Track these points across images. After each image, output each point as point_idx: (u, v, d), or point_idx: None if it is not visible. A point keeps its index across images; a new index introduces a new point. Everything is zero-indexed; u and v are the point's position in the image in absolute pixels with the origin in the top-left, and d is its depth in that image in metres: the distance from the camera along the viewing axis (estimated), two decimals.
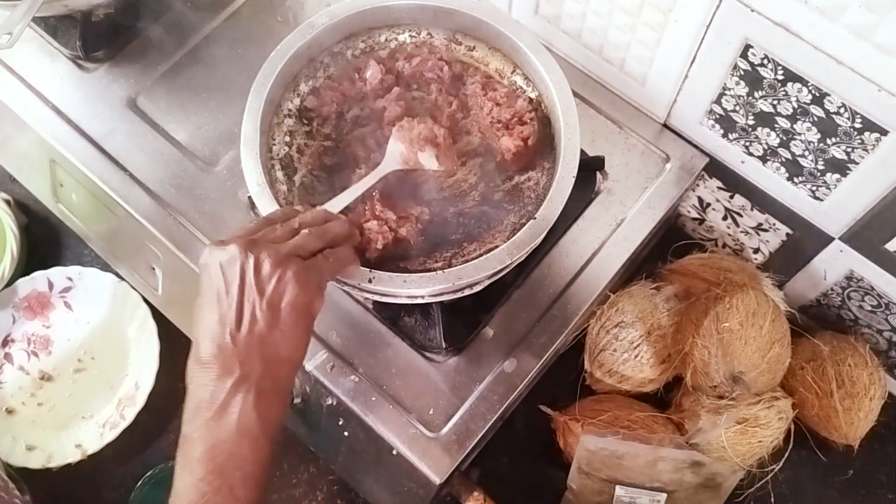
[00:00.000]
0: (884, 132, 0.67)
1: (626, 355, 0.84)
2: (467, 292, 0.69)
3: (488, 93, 0.73)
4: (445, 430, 0.71)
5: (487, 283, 0.69)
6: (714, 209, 0.92)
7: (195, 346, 0.57)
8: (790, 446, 0.84)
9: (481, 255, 0.66)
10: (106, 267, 0.95)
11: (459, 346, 0.75)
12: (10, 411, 0.90)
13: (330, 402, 0.74)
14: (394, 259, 0.68)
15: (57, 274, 0.95)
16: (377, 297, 0.71)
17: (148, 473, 0.86)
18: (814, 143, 0.73)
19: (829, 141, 0.71)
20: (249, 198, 0.79)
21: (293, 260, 0.57)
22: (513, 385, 0.73)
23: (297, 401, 0.79)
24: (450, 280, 0.64)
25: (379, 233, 0.66)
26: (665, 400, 0.87)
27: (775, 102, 0.72)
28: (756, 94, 0.73)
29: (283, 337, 0.57)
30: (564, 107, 0.70)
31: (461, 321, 0.75)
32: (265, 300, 0.56)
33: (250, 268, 0.56)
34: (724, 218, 0.92)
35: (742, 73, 0.72)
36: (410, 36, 0.76)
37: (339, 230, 0.63)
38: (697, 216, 0.96)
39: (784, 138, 0.75)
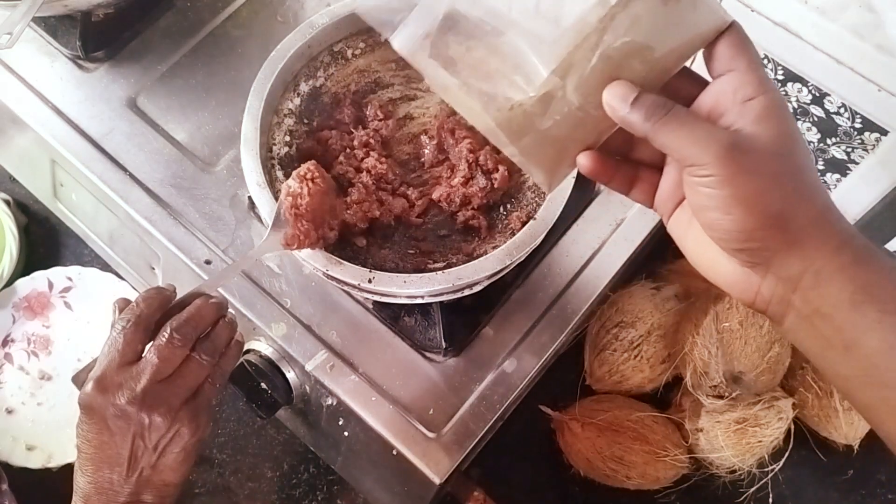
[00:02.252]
0: (884, 132, 0.67)
1: (626, 355, 0.84)
2: (467, 292, 0.69)
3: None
4: (445, 430, 0.71)
5: (487, 283, 0.69)
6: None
7: (88, 472, 0.60)
8: (790, 446, 0.84)
9: (481, 255, 0.66)
10: (106, 267, 0.95)
11: (459, 346, 0.75)
12: (10, 411, 0.91)
13: (330, 402, 0.74)
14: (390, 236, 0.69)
15: (57, 274, 0.95)
16: (377, 297, 0.71)
17: None
18: (814, 143, 0.73)
19: (829, 141, 0.72)
20: (249, 198, 0.79)
21: (184, 411, 0.59)
22: (513, 385, 0.73)
23: (296, 401, 0.79)
24: (450, 280, 0.64)
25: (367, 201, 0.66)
26: (665, 400, 0.88)
27: None
28: None
29: (171, 470, 0.60)
30: None
31: (461, 321, 0.75)
32: (157, 453, 0.59)
33: (145, 429, 0.58)
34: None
35: None
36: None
37: (221, 332, 0.62)
38: None
39: None
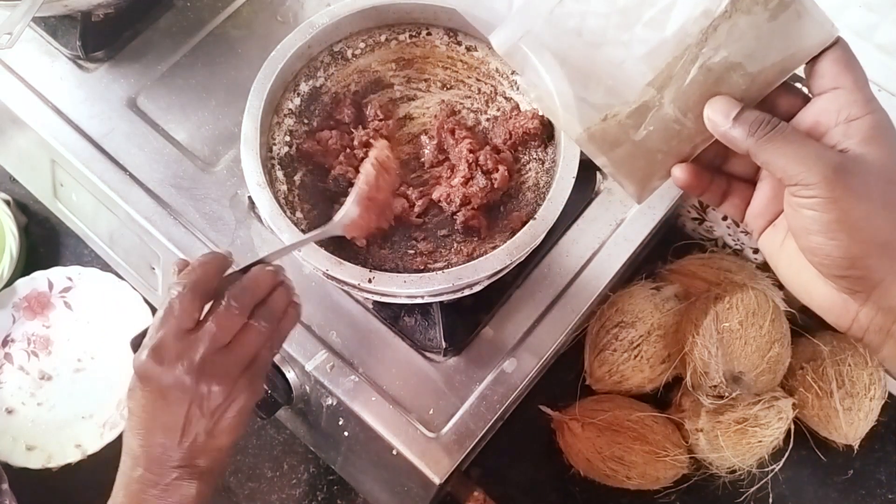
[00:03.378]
0: None
1: (626, 355, 0.84)
2: (467, 292, 0.69)
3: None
4: (445, 430, 0.71)
5: (487, 283, 0.69)
6: (714, 209, 0.92)
7: (140, 436, 0.59)
8: (790, 446, 0.84)
9: (481, 255, 0.66)
10: (106, 267, 0.95)
11: (459, 346, 0.75)
12: (10, 411, 0.90)
13: (330, 402, 0.74)
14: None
15: (57, 274, 0.95)
16: (377, 297, 0.71)
17: None
18: None
19: None
20: (249, 198, 0.79)
21: (243, 379, 0.58)
22: (513, 385, 0.73)
23: (296, 401, 0.79)
24: (450, 280, 0.64)
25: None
26: (665, 400, 0.88)
27: None
28: None
29: (226, 435, 0.59)
30: None
31: (461, 321, 0.75)
32: (213, 419, 0.58)
33: (203, 398, 0.57)
34: (724, 218, 0.92)
35: None
36: (410, 35, 0.76)
37: (279, 298, 0.61)
38: (697, 216, 0.96)
39: None
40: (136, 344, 0.59)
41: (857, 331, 0.46)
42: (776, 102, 0.47)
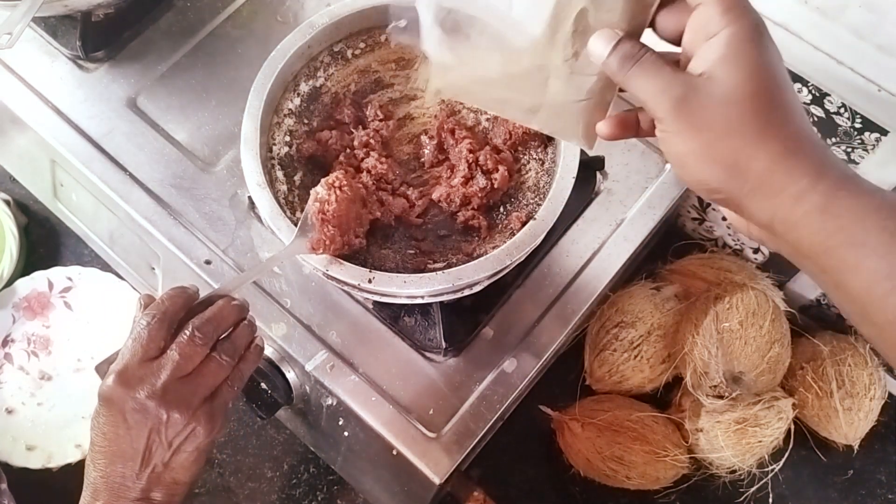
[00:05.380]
0: (884, 132, 0.67)
1: (626, 355, 0.84)
2: (467, 292, 0.69)
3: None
4: (445, 430, 0.71)
5: (487, 283, 0.69)
6: (714, 209, 0.92)
7: (100, 466, 0.59)
8: (790, 446, 0.84)
9: (481, 255, 0.66)
10: (106, 267, 0.96)
11: (459, 346, 0.75)
12: (10, 411, 0.90)
13: (330, 402, 0.74)
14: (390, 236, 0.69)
15: (57, 274, 0.95)
16: (377, 297, 0.71)
17: None
18: None
19: (829, 141, 0.72)
20: (249, 198, 0.79)
21: (202, 411, 0.59)
22: (513, 385, 0.73)
23: (296, 401, 0.79)
24: (450, 280, 0.64)
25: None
26: (665, 400, 0.88)
27: None
28: None
29: (183, 469, 0.60)
30: None
31: (461, 321, 0.75)
32: (171, 450, 0.59)
33: (162, 424, 0.58)
34: (724, 218, 0.92)
35: None
36: (410, 35, 0.76)
37: (242, 334, 0.62)
38: (697, 216, 0.96)
39: None
40: (102, 371, 0.60)
41: (759, 241, 0.47)
42: (667, 24, 0.46)
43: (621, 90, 0.49)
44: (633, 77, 0.44)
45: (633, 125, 0.50)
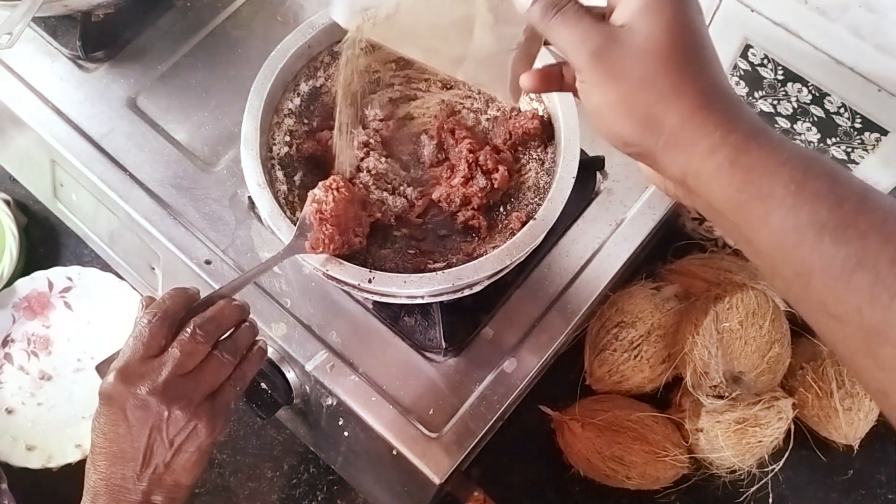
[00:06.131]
0: (884, 132, 0.67)
1: (626, 355, 0.84)
2: (467, 292, 0.69)
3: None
4: (445, 430, 0.71)
5: (487, 283, 0.69)
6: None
7: (101, 468, 0.59)
8: (790, 446, 0.84)
9: (481, 255, 0.66)
10: (106, 267, 0.96)
11: (459, 346, 0.75)
12: (10, 411, 0.90)
13: (330, 402, 0.74)
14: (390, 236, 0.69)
15: (57, 274, 0.95)
16: (377, 297, 0.71)
17: None
18: (814, 143, 0.73)
19: (829, 141, 0.72)
20: (249, 198, 0.79)
21: (203, 409, 0.59)
22: (513, 385, 0.73)
23: (297, 401, 0.79)
24: (450, 280, 0.64)
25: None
26: (665, 400, 0.87)
27: (775, 102, 0.72)
28: (756, 95, 0.73)
29: (184, 471, 0.60)
30: (565, 107, 0.70)
31: (461, 321, 0.75)
32: (173, 450, 0.58)
33: (163, 421, 0.57)
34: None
35: (742, 73, 0.72)
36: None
37: (244, 334, 0.62)
38: (697, 216, 0.96)
39: None
40: (103, 371, 0.60)
41: (674, 197, 0.47)
42: None
43: (547, 43, 0.49)
44: (554, 26, 0.44)
45: (557, 79, 0.50)
